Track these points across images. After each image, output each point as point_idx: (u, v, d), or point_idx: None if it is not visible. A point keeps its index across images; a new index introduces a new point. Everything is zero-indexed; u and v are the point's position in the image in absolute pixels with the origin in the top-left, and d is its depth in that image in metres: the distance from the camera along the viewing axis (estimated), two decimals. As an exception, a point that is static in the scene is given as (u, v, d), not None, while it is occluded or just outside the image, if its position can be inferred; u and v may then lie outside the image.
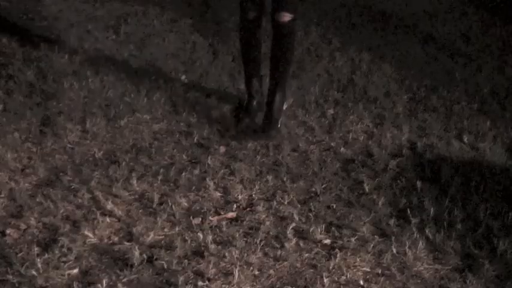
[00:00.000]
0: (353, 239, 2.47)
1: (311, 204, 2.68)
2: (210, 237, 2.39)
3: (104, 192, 2.62)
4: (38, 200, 2.55)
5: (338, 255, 2.37)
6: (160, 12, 4.72)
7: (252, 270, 2.27)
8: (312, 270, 2.31)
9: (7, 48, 3.87)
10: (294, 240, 2.44)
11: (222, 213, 2.58)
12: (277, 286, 2.22)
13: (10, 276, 2.13)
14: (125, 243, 2.35)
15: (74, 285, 2.12)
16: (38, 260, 2.20)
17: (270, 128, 3.21)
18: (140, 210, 2.55)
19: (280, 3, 3.07)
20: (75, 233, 2.37)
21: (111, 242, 2.36)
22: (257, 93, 3.36)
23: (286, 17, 3.05)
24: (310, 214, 2.62)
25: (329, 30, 4.72)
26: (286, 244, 2.41)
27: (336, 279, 2.27)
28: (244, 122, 3.24)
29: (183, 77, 3.77)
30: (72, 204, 2.55)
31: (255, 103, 3.33)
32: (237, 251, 2.34)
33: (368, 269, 2.34)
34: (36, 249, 2.25)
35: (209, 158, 2.93)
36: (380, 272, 2.33)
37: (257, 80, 3.36)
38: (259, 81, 3.38)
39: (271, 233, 2.48)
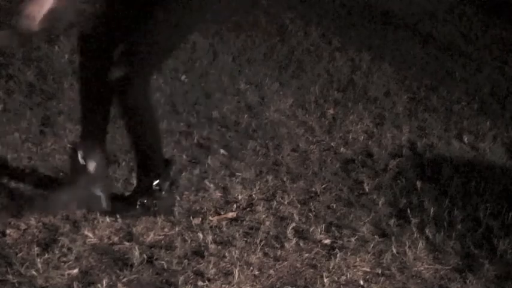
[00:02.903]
0: (353, 239, 2.47)
1: (311, 204, 2.68)
2: (210, 237, 2.39)
3: (104, 192, 2.62)
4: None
5: (338, 255, 2.37)
6: (160, 12, 4.71)
7: (252, 270, 2.27)
8: (312, 270, 2.31)
9: (7, 48, 3.87)
10: (294, 240, 2.44)
11: (222, 213, 2.58)
12: (277, 286, 2.22)
13: (10, 276, 2.12)
14: (125, 243, 2.34)
15: (74, 285, 2.12)
16: (38, 260, 2.19)
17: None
18: (140, 210, 2.55)
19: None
20: (75, 233, 2.37)
21: (111, 242, 2.35)
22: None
23: (117, 73, 2.13)
24: (310, 214, 2.62)
25: (329, 30, 4.72)
26: (286, 244, 2.41)
27: (336, 279, 2.27)
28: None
29: (183, 77, 3.77)
30: (72, 204, 2.55)
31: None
32: (237, 251, 2.34)
33: (368, 269, 2.34)
34: (36, 249, 2.25)
35: (209, 158, 2.93)
36: (380, 272, 2.33)
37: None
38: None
39: (271, 233, 2.48)
